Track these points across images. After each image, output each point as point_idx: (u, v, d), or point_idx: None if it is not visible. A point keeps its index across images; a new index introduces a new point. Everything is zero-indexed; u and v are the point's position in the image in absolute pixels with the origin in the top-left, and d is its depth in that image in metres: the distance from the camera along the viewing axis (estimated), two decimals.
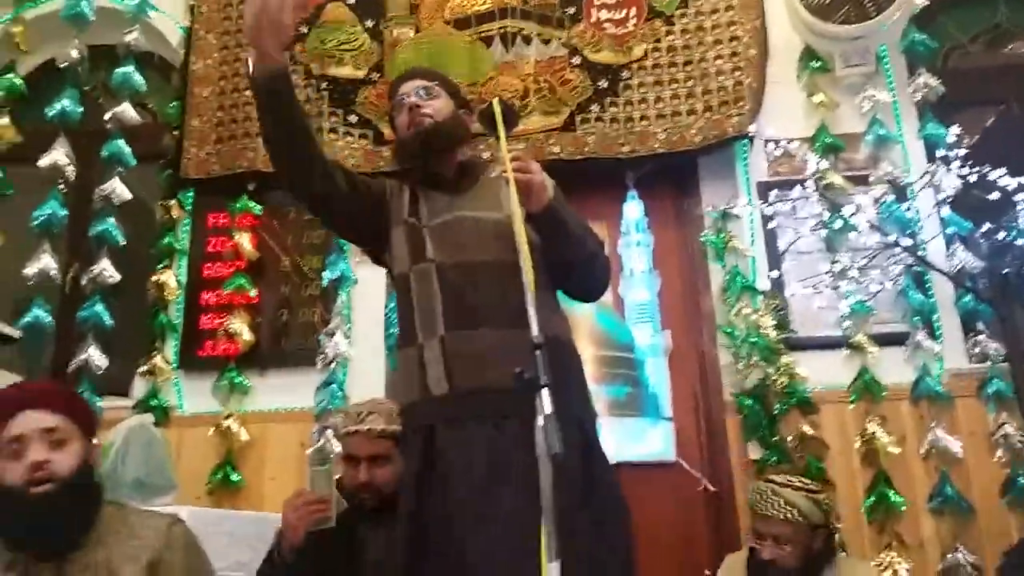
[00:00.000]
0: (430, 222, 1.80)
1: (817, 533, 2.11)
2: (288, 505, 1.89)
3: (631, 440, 2.98)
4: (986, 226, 2.75)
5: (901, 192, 3.03)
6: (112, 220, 3.46)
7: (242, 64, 3.52)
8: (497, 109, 1.74)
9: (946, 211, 2.98)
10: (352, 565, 2.02)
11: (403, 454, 1.72)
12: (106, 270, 3.39)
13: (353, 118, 3.40)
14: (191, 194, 3.49)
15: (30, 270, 3.32)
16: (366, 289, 3.26)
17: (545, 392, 1.25)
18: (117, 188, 3.49)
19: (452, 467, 1.59)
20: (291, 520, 1.86)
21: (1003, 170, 2.69)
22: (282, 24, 1.50)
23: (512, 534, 1.47)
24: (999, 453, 2.78)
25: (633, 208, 3.28)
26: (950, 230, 2.97)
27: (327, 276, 3.26)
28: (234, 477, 3.06)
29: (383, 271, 1.93)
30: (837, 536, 2.68)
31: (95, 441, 1.66)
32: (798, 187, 2.97)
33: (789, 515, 2.06)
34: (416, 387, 1.70)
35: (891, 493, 2.77)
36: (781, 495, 2.08)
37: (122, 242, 3.46)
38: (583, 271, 1.83)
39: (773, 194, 3.07)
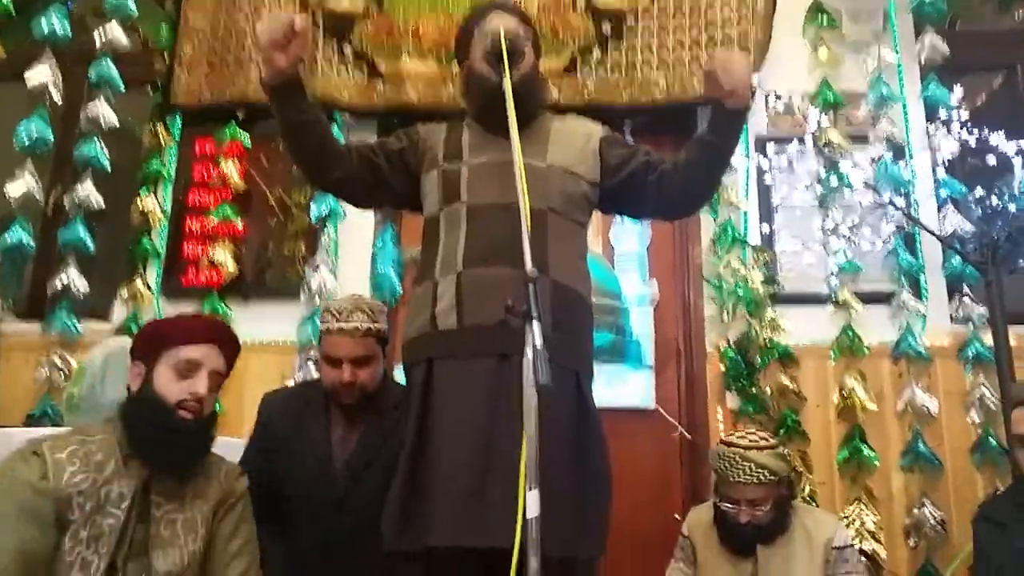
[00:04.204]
0: (471, 159, 1.79)
1: (783, 482, 2.14)
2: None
3: (612, 386, 2.99)
4: (979, 191, 2.76)
5: (898, 152, 3.01)
6: (97, 144, 3.39)
7: None
8: (504, 46, 1.71)
9: (941, 174, 2.97)
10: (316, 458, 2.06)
11: (406, 391, 1.73)
12: (90, 194, 3.34)
13: (348, 51, 3.32)
14: (179, 120, 3.43)
15: (12, 190, 3.26)
16: (354, 224, 3.23)
17: (536, 324, 1.26)
18: (104, 112, 3.42)
19: (449, 402, 1.60)
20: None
21: (1001, 135, 2.70)
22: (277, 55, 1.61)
23: (504, 468, 1.48)
24: (973, 414, 2.83)
25: None
26: (944, 192, 2.97)
27: (315, 210, 3.23)
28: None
29: None
30: (801, 483, 2.77)
31: None
32: (795, 142, 2.96)
33: (762, 478, 2.06)
34: (425, 320, 1.69)
35: (864, 448, 2.81)
36: (750, 460, 2.07)
37: (107, 166, 3.40)
38: (719, 176, 1.88)
39: (770, 148, 3.06)
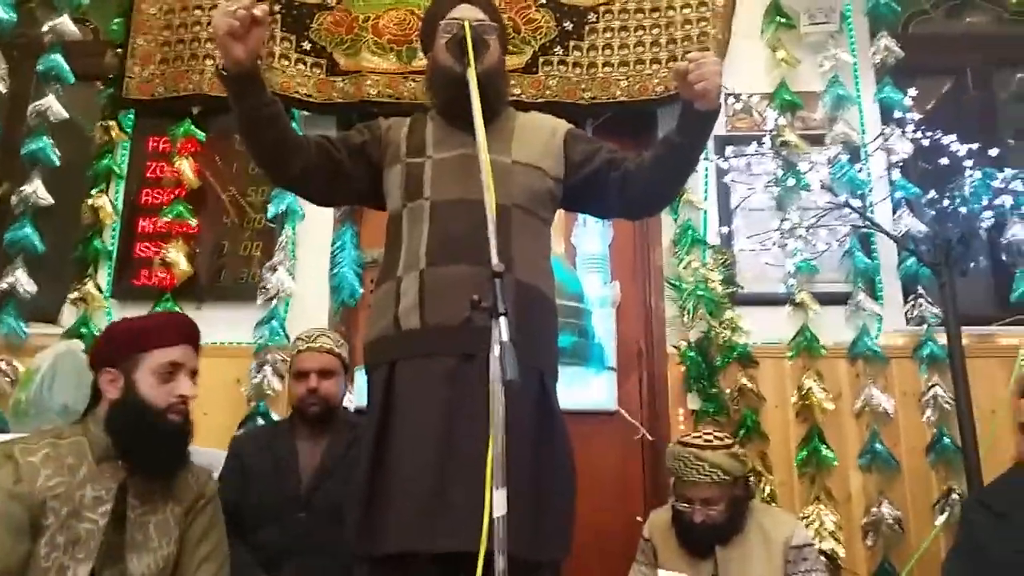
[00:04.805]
0: (435, 154, 1.76)
1: (738, 483, 2.14)
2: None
3: (574, 388, 2.98)
4: (932, 192, 2.81)
5: (854, 153, 3.06)
6: (46, 139, 3.28)
7: None
8: (468, 34, 1.69)
9: (896, 175, 3.02)
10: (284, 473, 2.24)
11: (368, 393, 1.70)
12: (38, 191, 3.23)
13: (307, 45, 3.26)
14: (131, 116, 3.32)
15: None
16: (312, 224, 3.17)
17: (502, 320, 1.23)
18: (53, 106, 3.30)
19: (411, 403, 1.58)
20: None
21: (953, 137, 2.75)
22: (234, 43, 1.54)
23: (467, 469, 1.45)
24: (928, 413, 2.87)
25: None
26: (899, 194, 3.02)
27: (272, 209, 3.15)
28: None
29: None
30: (753, 480, 2.76)
31: None
32: (754, 143, 2.99)
33: (715, 477, 2.07)
34: (387, 320, 1.66)
35: (823, 448, 2.84)
36: (704, 459, 2.08)
37: (56, 163, 3.29)
38: (684, 177, 1.86)
39: (729, 149, 3.08)
